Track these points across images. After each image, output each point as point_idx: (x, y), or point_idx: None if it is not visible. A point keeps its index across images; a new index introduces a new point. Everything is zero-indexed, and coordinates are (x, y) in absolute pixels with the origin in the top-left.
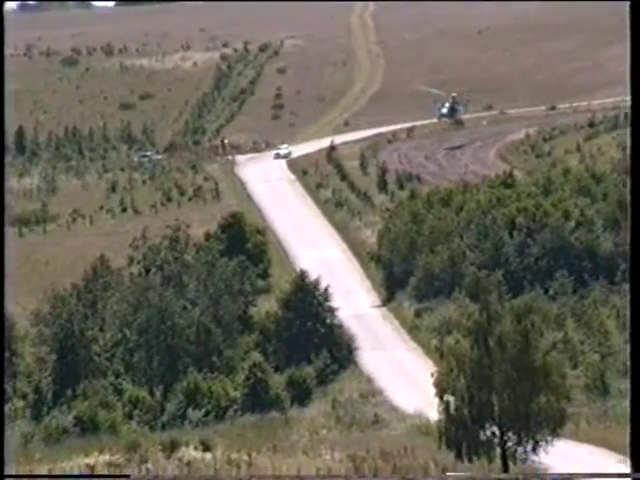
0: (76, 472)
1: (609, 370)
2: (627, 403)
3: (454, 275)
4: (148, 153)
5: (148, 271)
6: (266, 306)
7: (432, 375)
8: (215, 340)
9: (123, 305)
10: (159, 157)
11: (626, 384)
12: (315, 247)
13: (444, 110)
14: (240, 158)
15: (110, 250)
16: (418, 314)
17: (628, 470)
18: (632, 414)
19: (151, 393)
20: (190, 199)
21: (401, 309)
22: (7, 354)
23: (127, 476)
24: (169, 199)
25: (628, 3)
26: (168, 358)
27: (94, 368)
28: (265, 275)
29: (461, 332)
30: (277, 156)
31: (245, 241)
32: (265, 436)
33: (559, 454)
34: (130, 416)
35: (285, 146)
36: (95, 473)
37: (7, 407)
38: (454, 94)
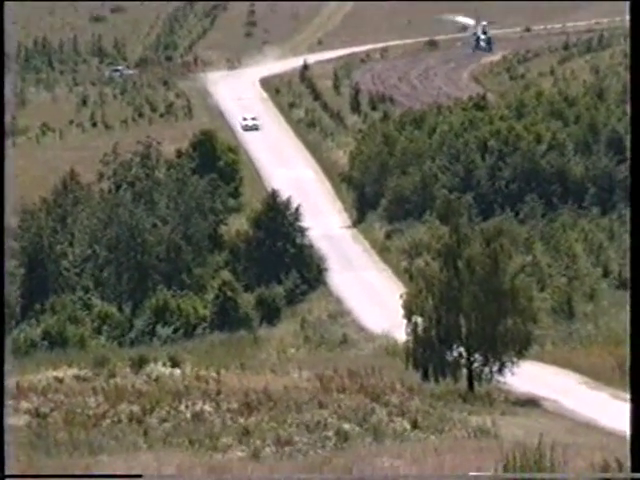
0: (44, 384)
1: (575, 293)
2: (591, 326)
3: (425, 197)
4: (119, 67)
5: (118, 187)
6: (237, 225)
7: (401, 296)
8: (185, 258)
9: (93, 221)
10: (130, 72)
11: (591, 307)
12: (287, 167)
13: (482, 43)
14: (212, 75)
15: (80, 165)
16: (388, 235)
17: (588, 389)
18: (632, 414)
19: (120, 309)
20: (162, 115)
21: (371, 230)
22: None
23: (140, 476)
24: (140, 115)
25: (628, 3)
26: (138, 275)
27: (63, 283)
28: (236, 194)
29: (431, 254)
30: (246, 127)
31: (217, 159)
32: (233, 354)
33: (524, 375)
34: (99, 331)
35: (251, 116)
36: (64, 387)
37: None
38: (484, 22)
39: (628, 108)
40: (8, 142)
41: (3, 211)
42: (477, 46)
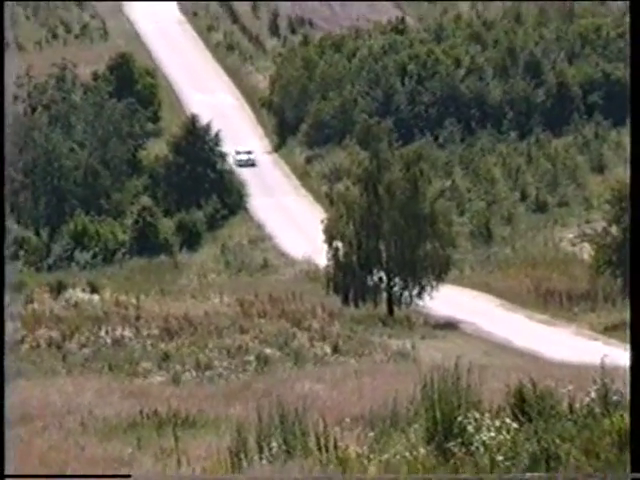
0: None
1: (493, 217)
2: (509, 250)
3: (345, 122)
4: None
5: (34, 110)
6: (156, 150)
7: (322, 222)
8: (103, 183)
9: (7, 144)
10: None
11: (509, 231)
12: (206, 91)
13: None
14: None
15: None
16: (309, 160)
17: (504, 311)
18: (632, 413)
19: (37, 234)
20: (76, 37)
21: (292, 155)
22: None
23: (128, 476)
24: (54, 36)
25: (628, 2)
26: (55, 200)
27: None
28: (155, 118)
29: (351, 179)
30: (239, 163)
31: (134, 83)
32: (153, 280)
33: (443, 298)
34: (15, 256)
35: (246, 150)
36: None
37: None
38: None
39: (545, 32)
40: None
41: (3, 211)
42: None
